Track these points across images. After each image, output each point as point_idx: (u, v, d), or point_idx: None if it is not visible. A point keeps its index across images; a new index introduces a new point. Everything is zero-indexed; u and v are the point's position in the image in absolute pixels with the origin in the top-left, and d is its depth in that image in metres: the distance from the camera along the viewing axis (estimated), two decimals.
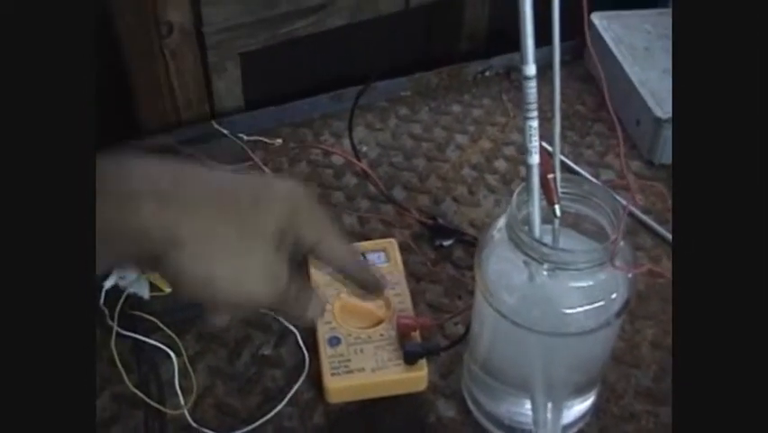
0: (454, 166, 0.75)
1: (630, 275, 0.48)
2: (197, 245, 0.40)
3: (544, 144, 0.47)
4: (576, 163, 0.75)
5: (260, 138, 0.77)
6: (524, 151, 0.47)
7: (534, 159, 0.46)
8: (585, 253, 0.45)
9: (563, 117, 0.80)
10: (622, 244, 0.46)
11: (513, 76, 0.85)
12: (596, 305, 0.47)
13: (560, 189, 0.48)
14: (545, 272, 0.46)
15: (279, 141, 0.77)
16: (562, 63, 0.87)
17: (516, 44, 0.50)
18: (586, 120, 0.80)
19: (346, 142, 0.77)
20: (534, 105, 0.46)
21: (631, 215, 0.70)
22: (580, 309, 0.47)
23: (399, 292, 0.62)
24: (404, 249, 0.66)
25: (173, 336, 0.60)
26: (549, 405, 0.53)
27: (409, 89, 0.84)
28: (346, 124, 0.78)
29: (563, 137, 0.78)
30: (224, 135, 0.76)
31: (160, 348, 0.60)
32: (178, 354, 0.60)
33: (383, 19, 0.93)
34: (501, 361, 0.53)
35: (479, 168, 0.75)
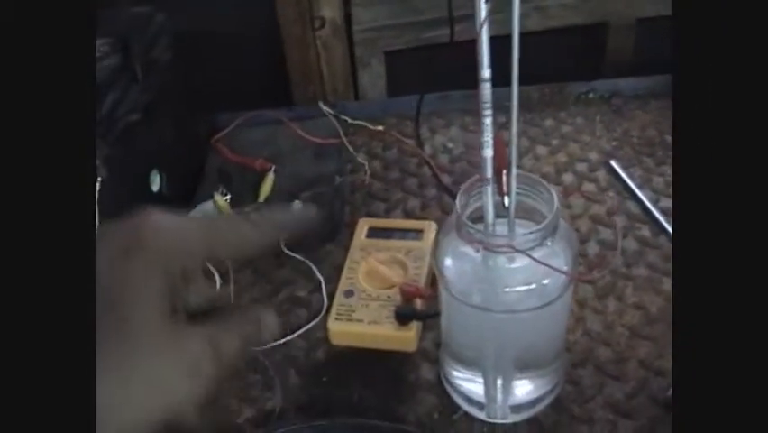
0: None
1: (566, 267, 0.52)
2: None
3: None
4: (640, 188, 0.77)
5: (364, 123, 0.87)
6: (480, 145, 0.53)
7: (488, 152, 0.53)
8: (516, 237, 0.51)
9: (649, 144, 0.83)
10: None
11: (614, 101, 0.88)
12: (527, 287, 0.52)
13: (513, 184, 0.54)
14: (478, 253, 0.53)
15: (381, 127, 0.87)
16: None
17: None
18: (669, 150, 0.82)
19: (439, 138, 0.86)
20: (489, 105, 0.52)
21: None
22: (512, 290, 0.53)
23: (419, 266, 0.69)
24: None
25: (230, 267, 0.73)
26: (499, 382, 0.59)
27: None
28: (446, 121, 0.87)
29: (639, 162, 0.81)
30: (329, 115, 0.87)
31: (216, 274, 0.72)
32: (230, 283, 0.72)
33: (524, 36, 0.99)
34: (456, 335, 0.59)
35: (546, 177, 0.80)
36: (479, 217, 0.54)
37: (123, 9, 0.74)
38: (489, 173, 0.53)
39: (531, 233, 0.51)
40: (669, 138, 0.84)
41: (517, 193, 0.54)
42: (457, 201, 0.53)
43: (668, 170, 0.80)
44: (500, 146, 0.53)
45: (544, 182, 0.54)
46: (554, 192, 0.53)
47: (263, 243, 0.39)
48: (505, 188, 0.54)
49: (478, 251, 0.53)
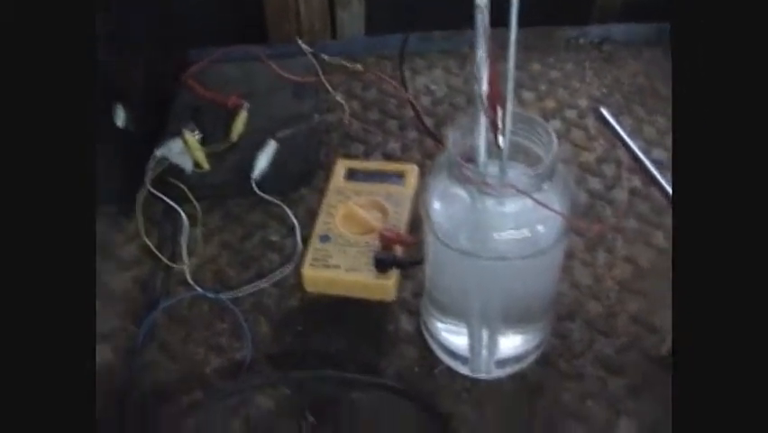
0: None
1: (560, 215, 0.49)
2: None
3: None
4: (630, 137, 0.74)
5: (343, 62, 0.83)
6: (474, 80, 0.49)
7: (482, 87, 0.49)
8: (512, 178, 0.47)
9: (640, 93, 0.80)
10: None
11: (604, 47, 0.84)
12: (520, 233, 0.49)
13: (508, 123, 0.50)
14: (467, 194, 0.49)
15: (359, 66, 0.83)
16: None
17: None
18: (663, 101, 0.79)
19: (420, 79, 0.81)
20: (483, 35, 0.48)
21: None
22: (503, 235, 0.49)
23: (400, 211, 0.66)
24: None
25: (199, 209, 0.69)
26: (485, 335, 0.55)
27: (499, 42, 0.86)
28: (428, 63, 0.83)
29: (630, 110, 0.78)
30: (307, 53, 0.82)
31: (184, 216, 0.68)
32: (198, 225, 0.68)
33: None
34: (441, 284, 0.56)
35: None
36: (467, 159, 0.50)
37: None
38: (482, 109, 0.49)
39: (530, 175, 0.47)
40: (660, 87, 0.80)
41: (512, 133, 0.50)
42: (449, 139, 0.49)
43: (659, 119, 0.77)
44: (495, 81, 0.49)
45: (542, 121, 0.50)
46: (553, 133, 0.49)
47: None
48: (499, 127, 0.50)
49: (474, 192, 0.49)
